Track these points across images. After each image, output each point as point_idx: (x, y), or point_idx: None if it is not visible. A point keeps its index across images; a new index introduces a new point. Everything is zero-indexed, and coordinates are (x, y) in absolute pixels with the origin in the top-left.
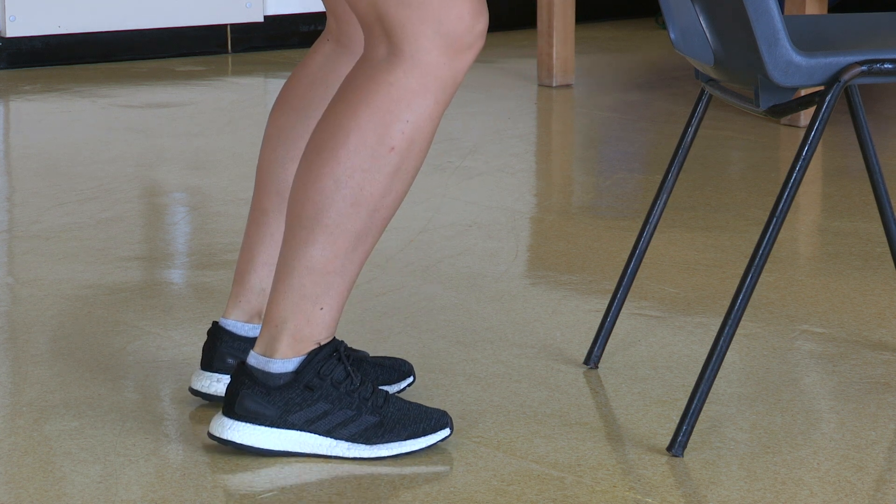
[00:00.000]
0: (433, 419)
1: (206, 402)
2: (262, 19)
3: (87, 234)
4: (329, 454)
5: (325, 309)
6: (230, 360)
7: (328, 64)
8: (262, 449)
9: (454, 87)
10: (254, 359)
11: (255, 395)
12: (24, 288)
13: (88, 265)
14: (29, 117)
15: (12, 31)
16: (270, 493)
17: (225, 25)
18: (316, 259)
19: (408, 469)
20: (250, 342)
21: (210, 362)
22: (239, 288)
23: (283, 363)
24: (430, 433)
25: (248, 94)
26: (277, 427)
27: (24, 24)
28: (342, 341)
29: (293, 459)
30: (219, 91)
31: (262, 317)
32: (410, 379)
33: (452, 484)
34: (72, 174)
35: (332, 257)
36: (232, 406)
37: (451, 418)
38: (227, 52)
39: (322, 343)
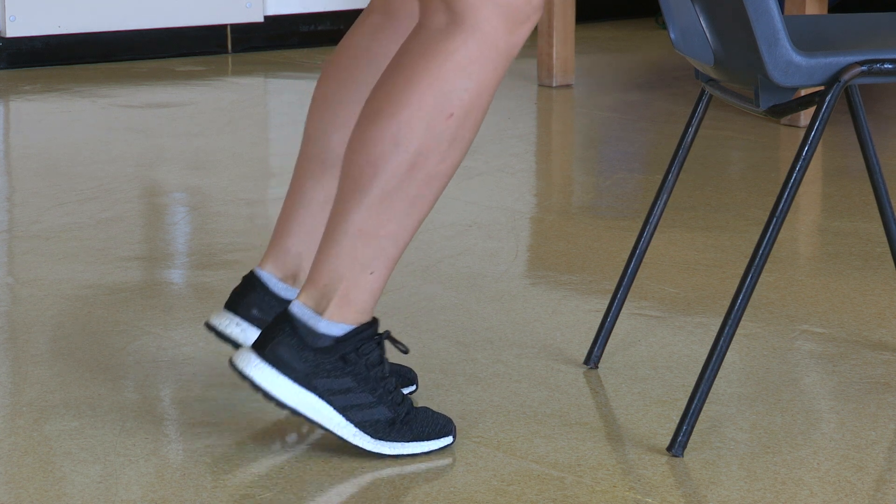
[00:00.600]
0: (438, 425)
1: (219, 341)
2: (262, 19)
3: (87, 234)
4: (335, 432)
5: (375, 275)
6: (255, 312)
7: (375, 35)
8: (277, 399)
9: (509, 59)
10: (299, 309)
11: (291, 346)
12: (24, 288)
13: (88, 265)
14: (29, 117)
15: (12, 31)
16: (270, 493)
17: (225, 25)
18: (370, 222)
19: (408, 469)
20: (281, 303)
21: (236, 306)
22: (275, 248)
23: (328, 325)
24: (434, 438)
25: (248, 94)
26: (300, 385)
27: (24, 24)
28: (388, 330)
29: (293, 459)
30: (219, 91)
31: (297, 280)
32: (413, 387)
33: (452, 484)
34: (72, 174)
35: (387, 220)
36: (264, 346)
37: (455, 427)
38: (227, 52)
39: (363, 322)
